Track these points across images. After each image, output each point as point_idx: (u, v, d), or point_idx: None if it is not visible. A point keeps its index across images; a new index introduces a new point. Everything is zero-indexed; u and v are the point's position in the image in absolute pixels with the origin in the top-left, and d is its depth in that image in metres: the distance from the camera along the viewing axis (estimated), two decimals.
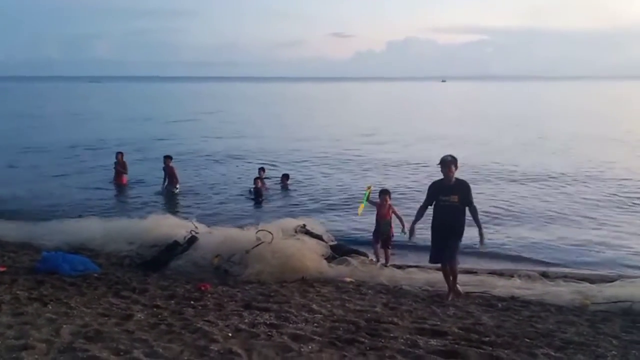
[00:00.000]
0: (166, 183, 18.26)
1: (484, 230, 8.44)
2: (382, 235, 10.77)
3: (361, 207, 11.06)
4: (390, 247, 10.87)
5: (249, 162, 24.35)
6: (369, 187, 11.25)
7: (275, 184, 19.30)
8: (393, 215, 10.81)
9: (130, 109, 67.39)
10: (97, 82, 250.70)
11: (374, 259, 10.62)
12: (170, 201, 17.43)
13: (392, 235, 10.79)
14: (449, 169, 8.19)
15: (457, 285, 8.62)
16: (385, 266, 10.29)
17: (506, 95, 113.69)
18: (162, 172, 18.37)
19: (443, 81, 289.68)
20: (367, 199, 11.02)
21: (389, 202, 10.86)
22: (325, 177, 21.62)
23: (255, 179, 18.13)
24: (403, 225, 10.23)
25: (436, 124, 44.63)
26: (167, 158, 18.25)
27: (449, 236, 8.31)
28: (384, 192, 10.95)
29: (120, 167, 19.18)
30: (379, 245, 10.85)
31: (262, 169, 20.12)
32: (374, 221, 11.03)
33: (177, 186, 18.19)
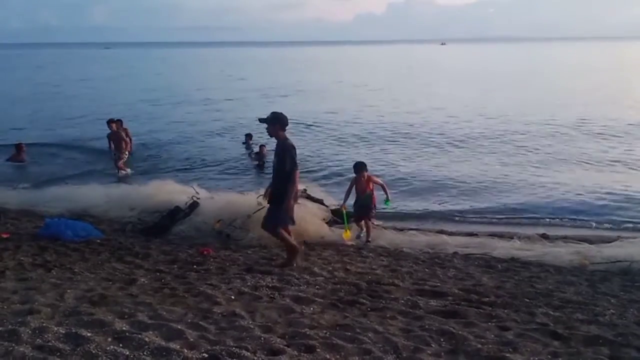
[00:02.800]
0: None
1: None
2: (362, 209, 9.94)
3: (347, 233, 9.64)
4: (372, 219, 10.09)
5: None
6: (343, 207, 9.92)
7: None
8: (375, 187, 10.10)
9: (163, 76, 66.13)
10: (108, 48, 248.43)
11: (357, 232, 10.01)
12: (171, 167, 17.34)
13: (374, 207, 10.09)
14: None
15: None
16: (368, 241, 9.72)
17: (499, 57, 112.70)
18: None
19: (442, 44, 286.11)
20: (348, 219, 9.73)
21: (366, 174, 9.87)
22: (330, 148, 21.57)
23: (260, 146, 18.19)
24: (387, 194, 9.98)
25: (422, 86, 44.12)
26: (112, 122, 16.33)
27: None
28: (360, 166, 9.90)
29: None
30: (361, 221, 10.04)
31: (249, 135, 20.23)
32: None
33: (126, 153, 16.44)
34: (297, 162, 7.59)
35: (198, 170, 17.11)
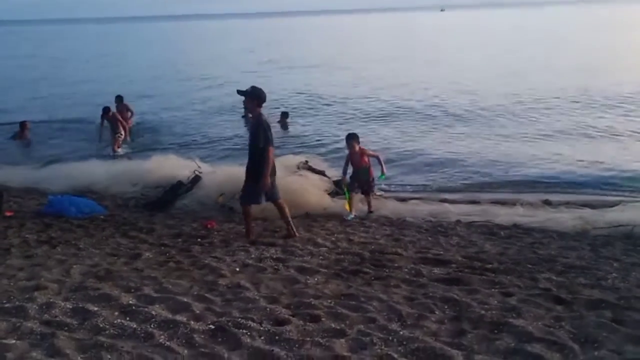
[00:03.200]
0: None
1: None
2: (361, 183, 9.54)
3: (348, 204, 9.40)
4: (372, 193, 9.82)
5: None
6: (344, 180, 9.62)
7: (276, 122, 19.06)
8: (372, 160, 9.66)
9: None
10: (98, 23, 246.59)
11: (348, 213, 9.28)
12: (174, 143, 17.27)
13: (373, 180, 9.70)
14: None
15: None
16: (371, 212, 9.55)
17: (497, 23, 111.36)
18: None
19: (442, 10, 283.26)
20: (349, 192, 9.48)
21: (358, 147, 9.42)
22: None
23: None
24: (382, 168, 9.57)
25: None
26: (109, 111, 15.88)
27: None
28: (350, 138, 9.47)
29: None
30: (358, 193, 9.55)
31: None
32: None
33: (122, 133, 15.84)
34: (271, 139, 7.49)
35: (202, 147, 17.02)
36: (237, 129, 19.19)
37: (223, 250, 7.23)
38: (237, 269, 6.38)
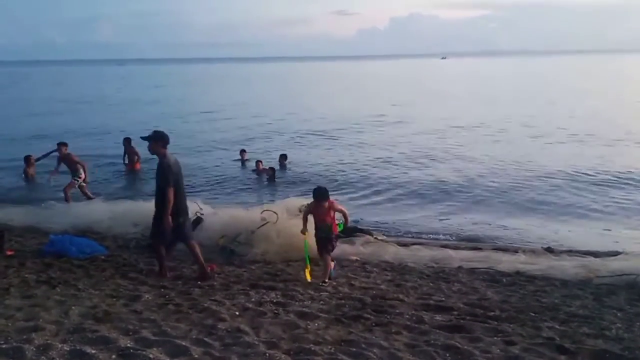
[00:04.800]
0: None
1: None
2: (321, 241, 8.22)
3: (308, 271, 8.10)
4: (330, 253, 8.26)
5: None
6: (305, 236, 8.29)
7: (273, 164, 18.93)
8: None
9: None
10: (121, 65, 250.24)
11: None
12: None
13: (335, 239, 8.35)
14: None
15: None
16: (324, 281, 7.84)
17: (497, 70, 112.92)
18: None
19: (443, 58, 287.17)
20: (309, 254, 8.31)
21: (327, 203, 8.13)
22: (322, 157, 21.62)
23: (257, 162, 18.24)
24: (346, 222, 8.59)
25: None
26: (62, 145, 14.52)
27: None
28: (319, 195, 8.13)
29: (130, 153, 18.33)
30: (327, 255, 8.18)
31: (243, 151, 20.24)
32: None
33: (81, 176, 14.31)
34: (172, 180, 7.59)
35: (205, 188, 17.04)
36: (236, 170, 19.26)
37: (223, 294, 7.17)
38: (237, 313, 6.32)
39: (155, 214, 7.82)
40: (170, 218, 7.61)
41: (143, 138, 7.90)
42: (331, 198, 8.32)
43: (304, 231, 8.23)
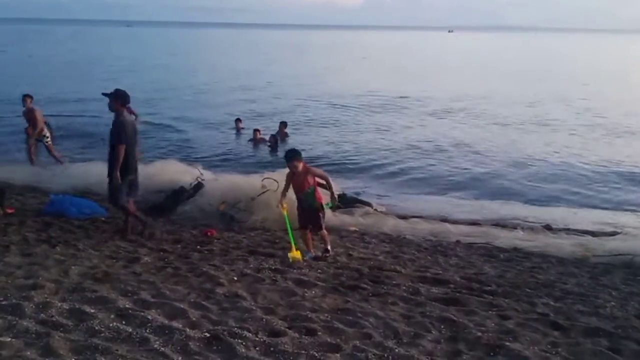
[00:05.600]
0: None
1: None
2: (307, 215, 7.54)
3: (294, 252, 7.35)
4: (323, 227, 7.64)
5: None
6: (282, 207, 7.52)
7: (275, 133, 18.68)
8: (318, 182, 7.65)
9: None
10: (130, 26, 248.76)
11: (306, 251, 7.61)
12: (171, 151, 17.16)
13: (322, 209, 7.59)
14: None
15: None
16: (326, 256, 7.53)
17: (505, 46, 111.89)
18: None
19: (450, 31, 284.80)
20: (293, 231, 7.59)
21: (302, 165, 7.34)
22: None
23: (254, 131, 18.11)
24: (331, 192, 7.47)
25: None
26: (27, 97, 13.42)
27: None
28: (289, 156, 7.37)
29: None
30: (308, 232, 7.66)
31: (238, 120, 20.08)
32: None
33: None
34: (124, 138, 7.76)
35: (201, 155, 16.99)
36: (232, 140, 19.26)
37: (222, 259, 7.21)
38: (235, 278, 6.36)
39: (109, 172, 7.99)
40: (119, 174, 7.81)
41: (104, 94, 8.01)
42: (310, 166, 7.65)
43: (281, 203, 7.52)
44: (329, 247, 7.64)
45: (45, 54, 61.41)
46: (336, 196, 7.41)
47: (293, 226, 7.60)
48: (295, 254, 7.29)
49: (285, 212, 7.48)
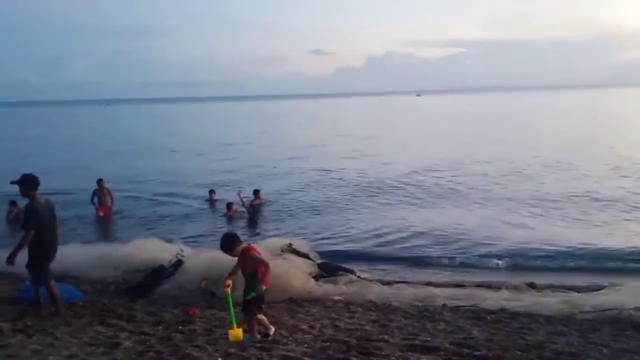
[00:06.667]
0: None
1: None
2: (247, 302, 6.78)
3: (235, 330, 6.85)
4: (256, 313, 6.89)
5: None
6: (227, 286, 6.95)
7: (247, 200, 18.55)
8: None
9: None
10: (109, 105, 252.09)
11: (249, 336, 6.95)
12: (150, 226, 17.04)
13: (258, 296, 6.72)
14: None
15: None
16: (268, 336, 7.00)
17: (469, 107, 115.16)
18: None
19: (418, 95, 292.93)
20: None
21: (241, 247, 6.76)
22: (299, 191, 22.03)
23: (228, 204, 18.12)
24: (262, 280, 6.63)
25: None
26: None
27: None
28: (225, 244, 6.75)
29: (102, 195, 17.93)
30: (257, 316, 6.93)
31: (212, 191, 20.10)
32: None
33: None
34: (33, 225, 7.77)
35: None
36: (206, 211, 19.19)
37: (205, 339, 7.03)
38: (220, 359, 6.17)
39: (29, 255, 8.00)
40: (16, 255, 7.82)
41: (12, 182, 8.05)
42: (252, 245, 7.07)
43: (224, 281, 7.03)
44: (269, 332, 7.03)
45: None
46: (262, 287, 6.61)
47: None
48: (236, 331, 6.80)
49: (228, 290, 6.91)
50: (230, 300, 6.91)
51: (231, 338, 6.79)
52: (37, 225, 7.78)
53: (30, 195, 7.93)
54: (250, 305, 6.73)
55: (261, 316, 6.98)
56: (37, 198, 7.94)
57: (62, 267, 10.93)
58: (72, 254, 11.95)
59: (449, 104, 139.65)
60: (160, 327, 7.61)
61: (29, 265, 8.04)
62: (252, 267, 6.69)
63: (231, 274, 7.10)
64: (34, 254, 7.96)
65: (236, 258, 6.82)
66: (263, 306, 6.95)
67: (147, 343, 6.85)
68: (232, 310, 6.90)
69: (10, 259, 7.86)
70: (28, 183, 7.95)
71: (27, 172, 8.11)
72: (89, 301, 9.05)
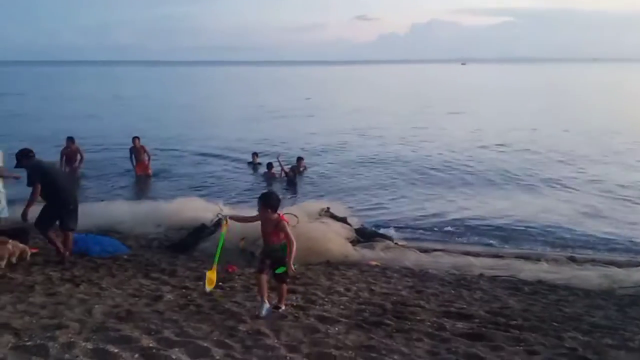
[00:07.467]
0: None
1: None
2: (272, 261, 6.44)
3: (210, 275, 6.84)
4: (286, 282, 6.66)
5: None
6: (225, 222, 6.91)
7: (289, 166, 18.73)
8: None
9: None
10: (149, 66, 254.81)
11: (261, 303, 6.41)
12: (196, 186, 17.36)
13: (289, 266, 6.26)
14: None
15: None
16: (277, 307, 6.55)
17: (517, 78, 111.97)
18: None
19: (463, 64, 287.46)
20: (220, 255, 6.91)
21: (274, 215, 6.37)
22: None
23: (268, 164, 18.36)
24: (289, 256, 6.22)
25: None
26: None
27: None
28: (263, 200, 6.42)
29: (137, 153, 18.08)
30: (264, 276, 6.45)
31: (255, 154, 20.25)
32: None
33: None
34: (35, 178, 8.53)
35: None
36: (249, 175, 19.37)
37: (244, 296, 7.19)
38: (257, 315, 6.32)
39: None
40: (28, 210, 8.50)
41: (17, 166, 8.89)
42: (284, 214, 6.58)
43: (227, 219, 6.88)
44: (281, 306, 6.60)
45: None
46: (292, 264, 6.23)
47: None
48: (212, 275, 6.70)
49: (224, 230, 6.84)
50: (223, 240, 6.85)
51: (208, 287, 6.70)
52: (41, 180, 8.50)
53: (29, 164, 8.72)
54: (282, 276, 6.48)
55: (285, 286, 6.70)
56: (34, 161, 8.71)
57: (107, 222, 11.38)
58: (117, 210, 12.36)
59: (498, 74, 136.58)
60: (201, 283, 7.80)
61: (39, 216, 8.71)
62: (278, 238, 6.39)
63: (241, 219, 7.34)
64: (44, 206, 8.75)
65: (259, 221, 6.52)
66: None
67: (188, 297, 7.05)
68: (217, 254, 6.80)
69: (24, 215, 8.49)
70: (22, 157, 8.74)
71: (22, 148, 8.91)
72: (133, 255, 9.35)
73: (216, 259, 6.73)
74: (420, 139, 27.16)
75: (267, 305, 6.37)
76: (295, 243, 6.28)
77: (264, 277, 6.45)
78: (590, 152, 22.77)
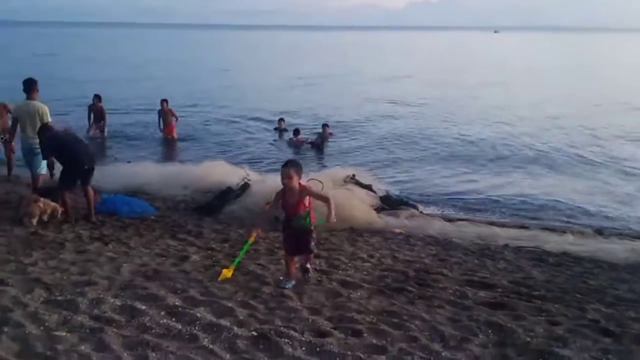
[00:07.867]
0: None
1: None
2: (296, 238, 6.28)
3: (227, 271, 6.43)
4: (313, 252, 6.46)
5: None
6: (254, 234, 6.69)
7: (315, 133, 18.91)
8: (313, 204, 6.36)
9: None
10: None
11: (285, 279, 6.30)
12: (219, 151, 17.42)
13: (312, 232, 6.31)
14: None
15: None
16: (308, 276, 6.41)
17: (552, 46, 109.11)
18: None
19: (496, 32, 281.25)
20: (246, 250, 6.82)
21: (298, 182, 6.18)
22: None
23: (295, 131, 18.36)
24: (329, 214, 5.99)
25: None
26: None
27: None
28: (286, 167, 6.20)
29: (165, 116, 18.21)
30: (295, 258, 6.41)
31: (281, 119, 20.22)
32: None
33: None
34: (48, 152, 9.28)
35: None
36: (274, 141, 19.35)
37: (268, 258, 7.30)
38: (281, 278, 6.41)
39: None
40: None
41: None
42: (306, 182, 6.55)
43: (251, 230, 6.72)
44: (309, 266, 6.47)
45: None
46: (333, 215, 6.01)
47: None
48: (227, 273, 6.39)
49: (251, 240, 6.73)
50: (246, 248, 6.78)
51: (221, 277, 6.35)
52: (56, 151, 9.09)
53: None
54: (310, 244, 6.26)
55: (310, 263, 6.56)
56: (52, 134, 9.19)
57: (135, 183, 11.55)
58: (145, 172, 12.51)
59: (536, 42, 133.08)
60: (227, 245, 7.94)
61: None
62: (305, 207, 6.19)
63: (265, 218, 7.51)
64: (62, 170, 9.30)
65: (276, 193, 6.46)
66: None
67: (214, 258, 7.18)
68: (241, 255, 6.72)
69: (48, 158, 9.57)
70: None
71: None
72: (161, 216, 9.51)
73: (235, 263, 6.61)
74: (457, 114, 26.21)
75: (293, 281, 6.27)
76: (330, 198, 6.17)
77: (294, 259, 6.41)
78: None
